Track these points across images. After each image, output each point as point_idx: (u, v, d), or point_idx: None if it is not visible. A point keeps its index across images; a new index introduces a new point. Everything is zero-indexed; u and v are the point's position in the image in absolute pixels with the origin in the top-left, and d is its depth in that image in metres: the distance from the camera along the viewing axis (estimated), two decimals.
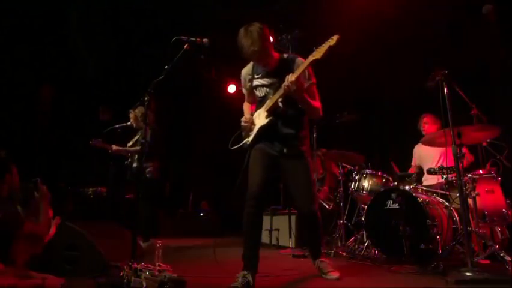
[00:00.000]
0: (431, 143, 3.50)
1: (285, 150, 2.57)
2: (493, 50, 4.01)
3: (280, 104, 2.50)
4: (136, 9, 6.18)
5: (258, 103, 2.72)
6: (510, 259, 2.80)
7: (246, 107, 2.86)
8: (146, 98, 2.64)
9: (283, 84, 2.40)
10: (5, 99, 5.92)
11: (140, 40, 6.71)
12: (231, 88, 7.75)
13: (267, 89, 2.63)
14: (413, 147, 4.50)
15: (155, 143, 4.48)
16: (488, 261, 3.07)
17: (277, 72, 2.57)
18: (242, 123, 2.70)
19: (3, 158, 2.54)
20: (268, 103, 2.56)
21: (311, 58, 2.37)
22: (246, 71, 2.80)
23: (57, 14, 5.93)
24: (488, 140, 3.43)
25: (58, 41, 6.21)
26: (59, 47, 6.27)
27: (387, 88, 5.65)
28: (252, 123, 2.67)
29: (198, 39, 2.73)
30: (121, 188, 6.11)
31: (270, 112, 2.55)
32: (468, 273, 2.38)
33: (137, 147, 4.50)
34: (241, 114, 2.94)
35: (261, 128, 2.59)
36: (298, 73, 2.38)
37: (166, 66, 2.66)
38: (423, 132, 4.22)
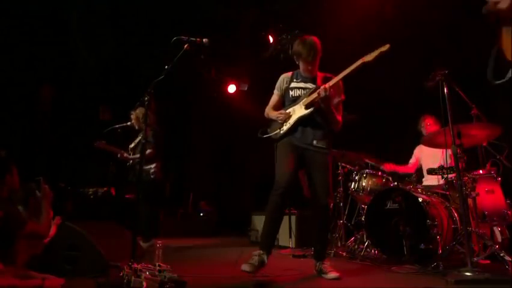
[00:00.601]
0: (431, 143, 3.49)
1: (315, 142, 2.77)
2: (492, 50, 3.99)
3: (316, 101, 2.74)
4: (136, 9, 6.18)
5: (290, 102, 2.90)
6: (510, 259, 2.80)
7: (271, 110, 2.99)
8: (146, 98, 2.63)
9: (319, 89, 2.69)
10: (5, 99, 5.92)
11: (140, 40, 6.71)
12: (231, 88, 7.74)
13: (303, 91, 2.87)
14: (413, 147, 4.49)
15: (158, 144, 4.50)
16: (488, 261, 3.07)
17: (314, 81, 2.88)
18: (279, 116, 2.85)
19: (3, 158, 2.54)
20: (305, 100, 2.79)
21: (361, 61, 2.67)
22: (286, 75, 3.02)
23: (57, 14, 5.92)
24: (488, 140, 3.43)
25: (58, 41, 6.21)
26: (59, 47, 6.27)
27: (387, 88, 5.64)
28: (288, 116, 2.83)
29: (198, 39, 2.74)
30: (122, 188, 6.12)
31: (309, 106, 2.76)
32: (468, 273, 2.38)
33: (147, 151, 4.46)
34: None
35: (300, 118, 2.78)
36: (342, 76, 2.72)
37: (166, 66, 2.66)
38: (425, 133, 4.20)
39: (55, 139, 6.55)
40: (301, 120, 2.78)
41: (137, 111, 4.50)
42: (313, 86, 2.84)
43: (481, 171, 3.38)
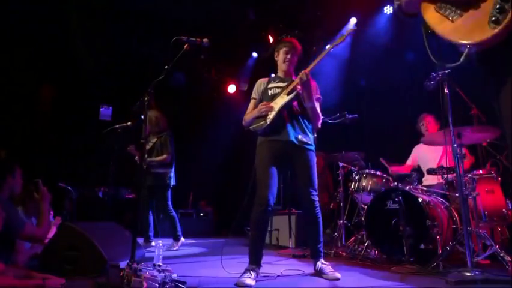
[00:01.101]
0: (432, 142, 3.49)
1: (300, 137, 2.75)
2: None
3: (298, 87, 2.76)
4: (136, 9, 6.18)
5: (269, 99, 2.87)
6: (510, 259, 2.80)
7: (249, 114, 2.95)
8: (146, 98, 2.63)
9: (300, 74, 2.71)
10: (5, 99, 5.92)
11: (140, 40, 6.71)
12: (231, 88, 7.74)
13: (281, 89, 2.87)
14: (412, 147, 4.49)
15: (173, 150, 4.53)
16: (488, 261, 3.07)
17: (290, 80, 2.89)
18: (261, 108, 2.79)
19: (4, 159, 2.54)
20: (285, 91, 2.80)
21: (334, 43, 2.76)
22: (262, 80, 3.05)
23: (57, 14, 5.92)
24: (488, 140, 3.43)
25: (58, 41, 6.21)
26: (59, 47, 6.27)
27: (387, 88, 5.65)
28: (271, 107, 2.78)
29: (198, 39, 2.74)
30: (123, 189, 6.13)
31: (291, 92, 2.76)
32: (468, 273, 2.38)
33: (164, 156, 4.48)
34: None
35: (286, 103, 2.74)
36: (318, 60, 2.74)
37: (166, 66, 2.66)
38: (425, 132, 4.20)
39: (55, 139, 6.55)
40: (286, 105, 2.75)
41: (150, 114, 4.41)
42: (288, 84, 2.86)
43: (481, 171, 3.38)
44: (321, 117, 2.93)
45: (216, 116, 7.97)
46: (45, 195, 2.63)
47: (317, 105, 2.89)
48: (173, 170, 4.64)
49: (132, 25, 6.49)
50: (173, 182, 4.63)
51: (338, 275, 2.63)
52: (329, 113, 4.25)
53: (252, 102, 3.00)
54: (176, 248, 4.48)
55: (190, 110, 7.94)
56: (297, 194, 2.82)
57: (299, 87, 2.75)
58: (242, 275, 2.49)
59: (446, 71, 2.78)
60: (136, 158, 4.60)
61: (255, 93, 3.01)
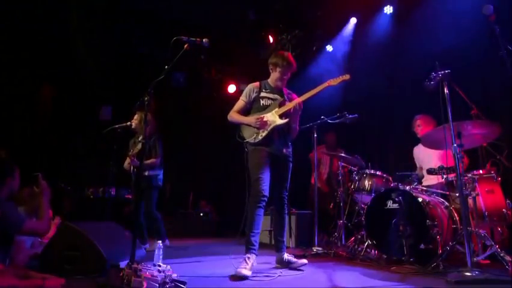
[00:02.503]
0: (430, 143, 3.48)
1: (284, 151, 3.13)
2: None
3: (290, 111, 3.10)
4: (135, 9, 6.18)
5: (260, 110, 3.17)
6: (510, 259, 2.80)
7: (238, 114, 3.21)
8: (146, 98, 2.63)
9: (294, 101, 3.11)
10: (5, 99, 5.92)
11: (140, 40, 6.71)
12: (231, 88, 7.74)
13: (272, 101, 3.19)
14: (412, 147, 4.48)
15: (163, 153, 4.54)
16: (488, 261, 3.07)
17: (282, 94, 3.24)
18: (257, 122, 3.06)
19: (5, 160, 2.54)
20: (278, 110, 3.11)
21: (326, 84, 3.11)
22: (255, 84, 3.29)
23: (57, 14, 5.92)
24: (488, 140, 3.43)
25: (58, 41, 6.21)
26: (59, 47, 6.27)
27: (388, 88, 5.65)
28: (264, 121, 3.08)
29: (198, 39, 2.75)
30: (123, 189, 6.12)
31: (282, 116, 3.08)
32: (468, 273, 2.38)
33: (152, 160, 4.47)
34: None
35: (277, 126, 3.07)
36: (311, 94, 3.09)
37: (166, 66, 2.66)
38: (418, 135, 4.20)
39: (55, 139, 6.55)
40: (278, 128, 3.07)
41: (141, 116, 4.40)
42: (281, 98, 3.18)
43: (481, 171, 3.38)
44: (298, 130, 3.29)
45: (216, 115, 7.96)
46: (45, 189, 2.63)
47: (298, 119, 3.23)
48: (161, 172, 4.63)
49: (132, 25, 6.48)
50: (160, 184, 4.61)
51: (304, 260, 3.01)
52: (329, 113, 4.26)
53: (240, 103, 3.24)
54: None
55: (190, 110, 7.95)
56: (272, 193, 3.11)
57: (291, 110, 3.06)
58: (239, 266, 2.65)
59: (447, 71, 2.78)
60: (127, 163, 4.58)
61: (245, 97, 3.24)
